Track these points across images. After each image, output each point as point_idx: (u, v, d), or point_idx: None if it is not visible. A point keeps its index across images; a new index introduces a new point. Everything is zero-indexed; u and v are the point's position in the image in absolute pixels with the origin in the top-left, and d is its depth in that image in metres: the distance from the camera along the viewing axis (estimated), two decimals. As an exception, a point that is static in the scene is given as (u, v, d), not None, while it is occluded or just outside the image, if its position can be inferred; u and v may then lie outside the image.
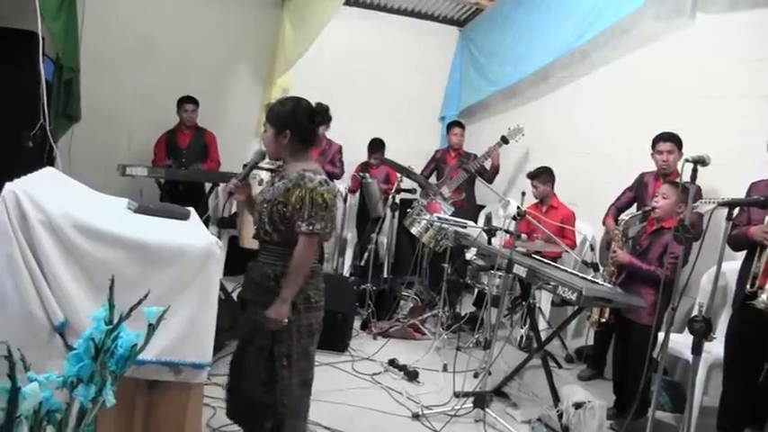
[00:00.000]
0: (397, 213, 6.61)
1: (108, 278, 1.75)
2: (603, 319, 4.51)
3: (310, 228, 2.76)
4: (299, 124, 2.92)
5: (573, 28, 6.37)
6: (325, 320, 4.79)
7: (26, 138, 4.88)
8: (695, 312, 2.90)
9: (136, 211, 2.86)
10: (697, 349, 2.89)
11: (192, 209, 3.20)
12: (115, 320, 1.69)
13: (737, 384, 3.80)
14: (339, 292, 5.44)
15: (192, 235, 2.67)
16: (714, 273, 2.95)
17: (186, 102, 6.88)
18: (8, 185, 2.29)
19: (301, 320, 2.90)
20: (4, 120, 4.81)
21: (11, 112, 4.83)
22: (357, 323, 5.88)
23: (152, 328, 1.76)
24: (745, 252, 3.78)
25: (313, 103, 2.98)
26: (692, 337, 2.92)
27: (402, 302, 6.19)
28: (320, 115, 2.96)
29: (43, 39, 4.78)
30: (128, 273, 2.32)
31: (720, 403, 3.91)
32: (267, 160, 3.28)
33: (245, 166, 3.23)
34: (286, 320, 2.80)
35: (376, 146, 7.40)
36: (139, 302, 1.72)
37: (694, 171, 3.16)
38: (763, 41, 4.76)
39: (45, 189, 2.49)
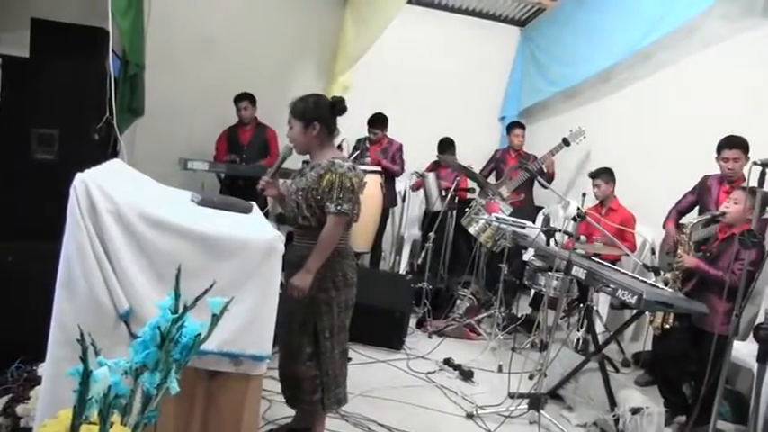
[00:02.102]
0: (455, 212, 6.60)
1: (172, 268, 1.78)
2: (668, 325, 4.36)
3: (338, 208, 3.07)
4: (324, 116, 3.26)
5: (637, 29, 6.26)
6: (381, 318, 4.86)
7: (93, 131, 5.01)
8: (761, 319, 2.83)
9: (199, 204, 2.91)
10: (763, 357, 2.82)
11: (254, 203, 3.25)
12: (180, 310, 1.72)
13: None
14: (396, 289, 5.48)
15: (255, 228, 2.70)
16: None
17: (241, 99, 6.98)
18: (79, 175, 2.35)
19: (341, 297, 3.25)
20: (73, 113, 4.93)
21: (79, 105, 4.95)
22: (413, 321, 5.89)
23: (215, 319, 1.79)
24: None
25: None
26: (757, 344, 2.85)
27: (458, 302, 6.19)
28: (338, 106, 3.29)
29: (111, 34, 4.91)
30: (192, 264, 2.36)
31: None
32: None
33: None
34: (307, 289, 3.10)
35: (445, 145, 7.40)
36: (204, 293, 1.75)
37: (762, 175, 3.08)
38: None
39: (113, 180, 2.55)
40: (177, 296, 1.73)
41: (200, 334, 1.76)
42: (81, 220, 2.31)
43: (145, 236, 2.41)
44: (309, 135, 3.24)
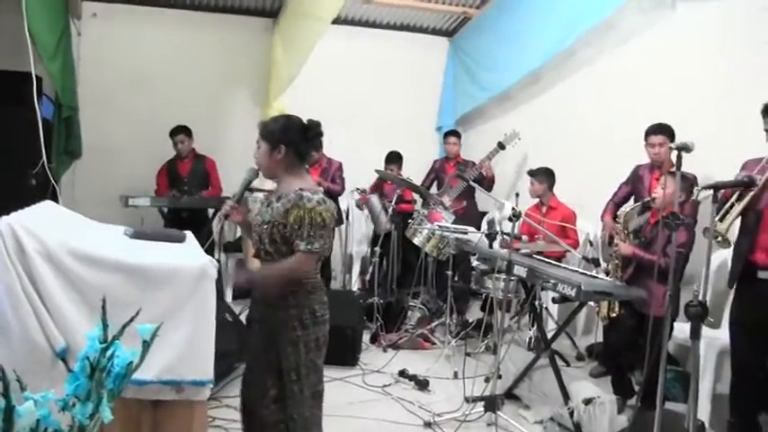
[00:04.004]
0: (400, 225, 6.67)
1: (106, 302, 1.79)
2: (614, 314, 4.45)
3: (309, 247, 2.75)
4: (293, 140, 2.92)
5: (558, 29, 6.42)
6: (333, 336, 4.83)
7: (29, 176, 4.97)
8: (691, 297, 2.92)
9: (132, 237, 2.91)
10: (695, 333, 2.91)
11: (188, 232, 3.24)
12: (109, 339, 1.74)
13: (744, 370, 3.78)
14: (347, 307, 5.49)
15: (186, 256, 2.72)
16: (714, 258, 2.98)
17: (177, 133, 6.99)
18: (4, 218, 2.35)
19: (309, 335, 2.88)
20: (7, 160, 4.90)
21: (14, 152, 4.92)
22: (366, 337, 5.91)
23: (146, 345, 1.80)
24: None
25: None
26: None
27: (410, 313, 6.23)
28: (312, 130, 2.97)
29: (40, 79, 4.86)
30: (125, 295, 2.37)
31: (730, 391, 3.90)
32: (266, 184, 3.29)
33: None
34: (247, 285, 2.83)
35: (392, 158, 7.45)
36: (131, 320, 1.76)
37: (679, 158, 3.23)
38: (744, 26, 4.81)
39: (41, 220, 2.55)
40: (105, 326, 1.74)
41: (132, 362, 1.76)
42: (9, 263, 2.31)
43: (76, 273, 2.41)
44: (275, 159, 2.92)
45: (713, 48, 5.06)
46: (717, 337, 4.24)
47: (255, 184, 3.27)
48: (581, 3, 6.09)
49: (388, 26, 8.70)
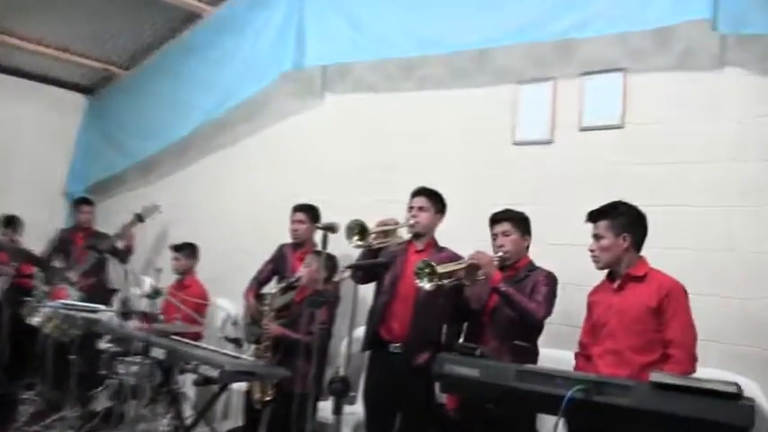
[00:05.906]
0: (12, 303, 5.88)
1: None
2: (268, 397, 4.43)
3: None
4: None
5: (213, 99, 6.43)
6: None
7: None
8: (333, 374, 3.01)
9: None
10: (337, 409, 3.11)
11: None
12: None
13: None
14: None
15: None
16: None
17: None
18: None
19: None
20: None
21: None
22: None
23: None
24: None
25: None
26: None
27: (22, 407, 5.43)
28: None
29: None
30: None
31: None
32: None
33: None
34: None
35: (8, 223, 6.52)
36: None
37: (324, 237, 3.43)
38: (380, 119, 5.47)
39: None
40: None
41: None
42: None
43: None
44: None
45: (354, 133, 5.60)
46: (353, 411, 4.36)
47: None
48: (232, 77, 6.27)
49: (15, 72, 7.65)
